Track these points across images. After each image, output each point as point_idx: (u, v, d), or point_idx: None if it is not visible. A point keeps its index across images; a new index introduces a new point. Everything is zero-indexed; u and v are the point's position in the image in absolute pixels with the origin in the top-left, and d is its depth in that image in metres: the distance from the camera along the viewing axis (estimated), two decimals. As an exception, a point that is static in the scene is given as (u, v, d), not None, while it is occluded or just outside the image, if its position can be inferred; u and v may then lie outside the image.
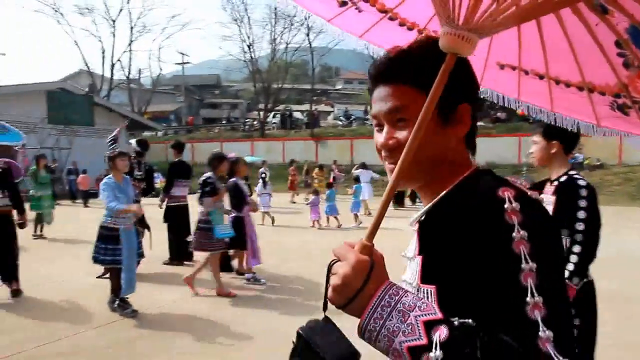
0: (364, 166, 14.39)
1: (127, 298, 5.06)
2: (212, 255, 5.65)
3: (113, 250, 4.84)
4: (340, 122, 36.40)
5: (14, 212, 5.76)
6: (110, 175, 4.99)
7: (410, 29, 1.43)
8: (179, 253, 7.28)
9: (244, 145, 28.39)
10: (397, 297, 0.80)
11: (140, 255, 5.34)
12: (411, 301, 0.79)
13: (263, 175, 13.42)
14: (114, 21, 43.98)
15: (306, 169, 19.62)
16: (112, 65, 38.09)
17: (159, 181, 25.15)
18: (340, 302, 0.82)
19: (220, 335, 4.43)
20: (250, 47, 33.14)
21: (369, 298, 0.81)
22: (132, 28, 37.29)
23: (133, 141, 7.57)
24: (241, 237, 6.04)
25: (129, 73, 40.03)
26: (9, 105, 18.88)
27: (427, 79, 0.92)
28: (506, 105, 1.54)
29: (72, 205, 17.86)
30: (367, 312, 0.80)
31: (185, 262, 7.29)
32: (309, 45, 33.16)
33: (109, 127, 27.13)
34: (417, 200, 16.48)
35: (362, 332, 0.81)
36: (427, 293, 0.87)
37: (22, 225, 5.81)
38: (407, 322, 0.77)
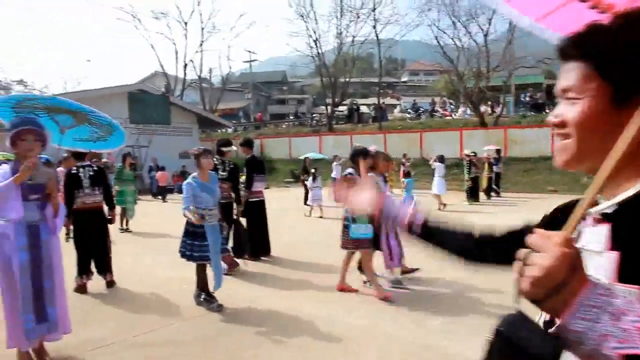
0: (441, 159, 13.79)
1: (213, 292, 5.12)
2: (363, 255, 5.40)
3: (200, 246, 4.90)
4: (407, 115, 35.69)
5: (105, 208, 6.05)
6: (196, 174, 5.04)
7: (603, 12, 1.22)
8: (257, 248, 7.33)
9: (312, 140, 28.55)
10: (606, 298, 0.75)
11: (225, 251, 5.39)
12: (622, 304, 0.74)
13: (313, 170, 13.41)
14: (185, 23, 45.75)
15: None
16: (185, 66, 39.64)
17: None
18: (538, 295, 0.77)
19: (308, 333, 4.36)
20: (317, 42, 33.20)
21: (572, 295, 0.76)
22: (202, 29, 38.50)
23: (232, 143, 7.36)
24: (375, 237, 5.51)
25: (201, 73, 41.55)
26: (95, 107, 20.11)
27: (611, 62, 0.87)
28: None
29: (152, 201, 18.76)
30: (571, 310, 0.75)
31: (263, 258, 7.34)
32: (375, 37, 32.69)
33: (184, 125, 28.52)
34: (493, 194, 15.73)
35: (561, 331, 0.76)
36: (629, 294, 0.80)
37: (111, 221, 6.10)
38: (621, 326, 0.72)
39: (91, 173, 5.88)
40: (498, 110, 28.85)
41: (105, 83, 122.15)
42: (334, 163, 16.76)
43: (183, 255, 5.00)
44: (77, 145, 4.77)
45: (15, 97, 3.94)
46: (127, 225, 10.67)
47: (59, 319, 3.74)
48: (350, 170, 5.34)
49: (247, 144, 7.49)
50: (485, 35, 27.30)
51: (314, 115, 41.37)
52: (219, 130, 40.18)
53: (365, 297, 5.34)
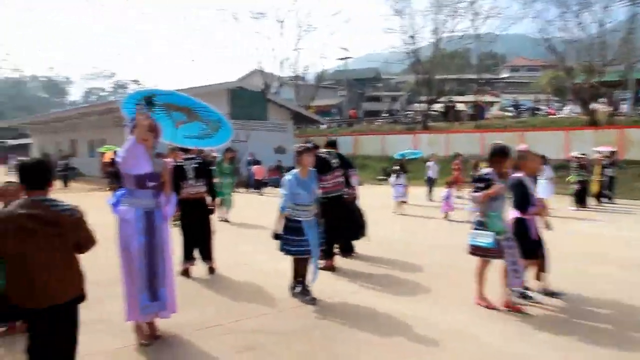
0: (543, 160, 12.76)
1: (308, 285, 5.19)
2: (481, 261, 4.94)
3: (299, 241, 4.98)
4: (507, 113, 33.79)
5: (208, 199, 6.39)
6: (296, 170, 5.12)
7: None
8: (348, 245, 7.34)
9: (406, 138, 28.05)
10: None
11: (321, 244, 5.43)
12: None
13: (396, 167, 13.19)
14: (282, 22, 47.08)
15: (474, 163, 18.58)
16: (281, 64, 40.92)
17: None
18: None
19: (401, 332, 4.26)
20: (412, 38, 32.48)
21: None
22: (298, 27, 39.38)
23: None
24: (526, 244, 4.91)
25: (296, 70, 42.59)
26: (199, 104, 21.59)
27: None
28: None
29: (247, 194, 19.56)
30: None
31: (353, 254, 7.33)
32: (474, 32, 31.29)
33: (279, 121, 29.44)
34: (604, 200, 14.34)
35: None
36: None
37: (212, 211, 6.42)
38: None
39: (195, 165, 6.26)
40: (612, 108, 26.26)
41: (207, 81, 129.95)
42: (429, 162, 16.32)
43: (281, 248, 5.10)
44: (186, 143, 5.02)
45: (139, 93, 4.22)
46: (225, 215, 11.19)
47: (168, 299, 4.01)
48: (487, 170, 4.78)
49: (332, 145, 7.36)
50: (601, 26, 24.92)
51: (408, 112, 40.65)
52: (313, 127, 40.88)
53: (459, 299, 5.10)
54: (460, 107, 36.61)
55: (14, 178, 3.35)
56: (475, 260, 4.97)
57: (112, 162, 13.60)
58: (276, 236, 5.04)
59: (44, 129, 34.75)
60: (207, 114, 4.56)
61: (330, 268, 6.47)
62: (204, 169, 6.37)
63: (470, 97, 38.19)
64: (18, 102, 72.29)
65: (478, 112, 31.26)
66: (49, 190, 2.88)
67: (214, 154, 12.23)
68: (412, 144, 26.72)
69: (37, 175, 2.84)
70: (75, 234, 2.86)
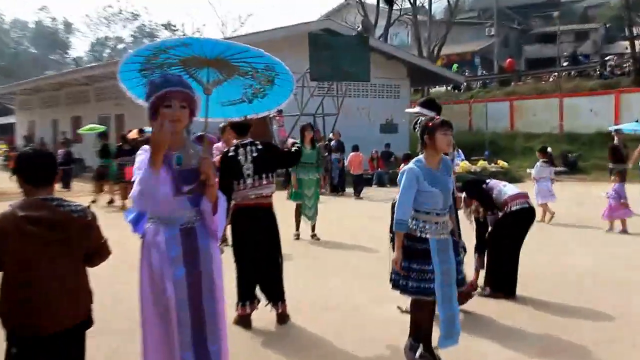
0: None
1: (437, 349, 5.13)
2: None
3: (420, 272, 4.94)
4: None
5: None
6: (420, 156, 5.08)
7: None
8: (500, 281, 7.20)
9: (605, 102, 26.87)
10: None
11: (461, 282, 5.33)
12: None
13: (548, 150, 13.80)
14: None
15: None
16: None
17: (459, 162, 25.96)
18: None
19: None
20: None
21: None
22: None
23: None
24: None
25: (415, 0, 42.22)
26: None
27: None
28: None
29: (334, 196, 19.78)
30: None
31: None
32: None
33: (389, 82, 29.43)
34: None
35: None
36: None
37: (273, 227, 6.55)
38: None
39: (255, 154, 6.27)
40: None
41: (277, 23, 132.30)
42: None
43: (395, 284, 5.09)
44: (228, 114, 5.06)
45: (141, 51, 4.28)
46: (312, 231, 11.39)
47: (222, 361, 4.09)
48: None
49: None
50: None
51: (607, 58, 38.71)
52: (444, 88, 40.34)
53: None
54: None
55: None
56: None
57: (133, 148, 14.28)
58: (395, 275, 5.06)
59: (33, 102, 37.29)
60: (250, 60, 4.48)
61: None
62: (271, 159, 6.43)
63: None
64: (-6, 62, 76.24)
65: None
66: (53, 187, 3.41)
67: (289, 138, 12.49)
68: (612, 111, 25.53)
69: (39, 168, 3.36)
70: (86, 241, 3.38)
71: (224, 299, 4.16)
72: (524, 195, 7.35)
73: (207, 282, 4.00)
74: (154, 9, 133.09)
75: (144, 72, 4.33)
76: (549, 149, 14.11)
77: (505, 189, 7.32)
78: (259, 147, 6.35)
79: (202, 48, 4.21)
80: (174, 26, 75.63)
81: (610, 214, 12.05)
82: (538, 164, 13.82)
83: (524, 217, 7.26)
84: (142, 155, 3.81)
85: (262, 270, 6.44)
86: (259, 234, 6.37)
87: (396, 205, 5.03)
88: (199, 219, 4.02)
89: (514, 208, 7.13)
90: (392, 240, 5.25)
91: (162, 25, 78.24)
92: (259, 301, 6.48)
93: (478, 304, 6.81)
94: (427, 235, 4.96)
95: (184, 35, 47.92)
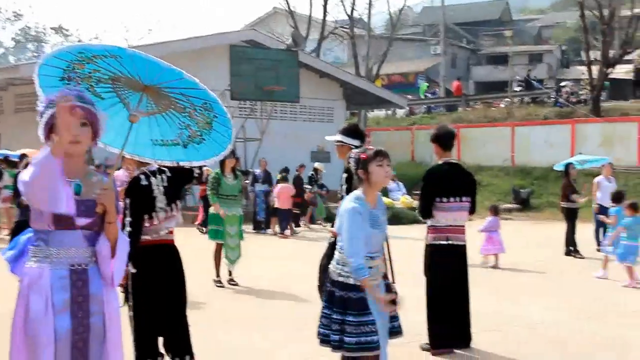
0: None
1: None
2: None
3: (358, 324, 4.91)
4: None
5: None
6: (359, 193, 5.09)
7: None
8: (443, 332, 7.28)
9: (561, 132, 27.76)
10: None
11: (398, 331, 5.33)
12: None
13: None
14: None
15: None
16: (325, 1, 41.16)
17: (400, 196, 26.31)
18: None
19: None
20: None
21: None
22: None
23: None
24: None
25: (352, 11, 42.82)
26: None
27: None
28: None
29: (257, 235, 19.82)
30: None
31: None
32: None
33: (320, 103, 29.53)
34: None
35: None
36: None
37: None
38: None
39: (165, 184, 6.14)
40: None
41: (192, 32, 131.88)
42: (599, 178, 16.04)
43: (324, 340, 5.06)
44: (159, 156, 4.97)
45: (62, 54, 4.14)
46: (229, 275, 11.25)
47: None
48: None
49: (447, 137, 7.60)
50: None
51: (562, 84, 39.99)
52: (384, 112, 40.78)
53: None
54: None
55: None
56: None
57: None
58: (324, 329, 5.03)
59: None
60: (187, 92, 4.44)
61: None
62: (180, 183, 6.33)
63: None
64: None
65: None
66: None
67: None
68: (569, 142, 26.39)
69: None
70: None
71: (121, 358, 4.06)
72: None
73: (97, 338, 3.88)
74: (40, 8, 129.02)
75: (66, 81, 4.24)
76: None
77: None
78: (168, 174, 6.17)
79: (134, 65, 4.14)
80: (67, 30, 73.48)
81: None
82: (489, 218, 14.47)
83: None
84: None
85: (166, 320, 6.23)
86: (165, 277, 6.19)
87: (347, 253, 4.97)
88: (94, 261, 3.92)
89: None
90: (321, 286, 5.24)
91: (52, 28, 75.83)
92: (162, 358, 6.28)
93: None
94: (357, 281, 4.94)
95: (79, 41, 47.17)
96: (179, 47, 24.21)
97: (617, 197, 12.89)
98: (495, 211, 14.54)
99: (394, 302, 5.08)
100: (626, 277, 11.38)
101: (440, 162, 7.73)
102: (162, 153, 4.94)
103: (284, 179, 20.76)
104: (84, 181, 3.87)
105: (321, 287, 5.38)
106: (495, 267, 13.39)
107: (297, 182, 20.96)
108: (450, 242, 7.57)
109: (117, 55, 4.04)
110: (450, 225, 7.67)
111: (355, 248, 4.91)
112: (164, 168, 6.10)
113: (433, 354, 7.24)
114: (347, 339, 4.93)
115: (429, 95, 44.41)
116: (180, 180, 6.32)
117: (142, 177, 6.10)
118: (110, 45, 4.28)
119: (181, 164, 5.28)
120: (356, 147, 6.72)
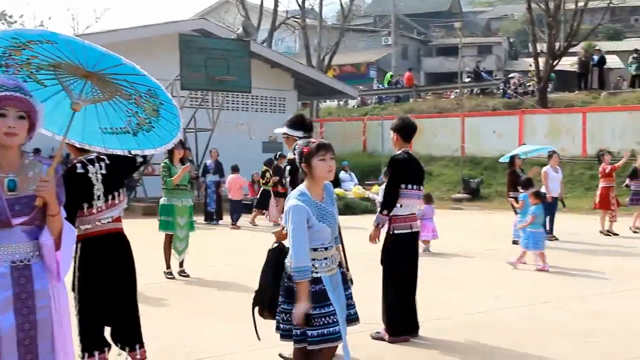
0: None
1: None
2: None
3: (320, 316, 4.95)
4: None
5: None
6: (303, 188, 5.04)
7: None
8: (398, 321, 7.31)
9: (507, 123, 28.09)
10: None
11: (354, 318, 5.36)
12: None
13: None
14: None
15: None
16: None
17: (352, 187, 26.37)
18: None
19: None
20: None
21: None
22: None
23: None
24: None
25: (303, 1, 42.72)
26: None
27: None
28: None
29: (208, 228, 19.62)
30: None
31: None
32: None
33: (272, 94, 29.47)
34: None
35: None
36: None
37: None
38: None
39: (103, 172, 6.01)
40: None
41: (142, 20, 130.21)
42: (546, 168, 16.21)
43: (285, 335, 5.03)
44: (109, 144, 4.86)
45: (4, 34, 4.05)
46: (181, 266, 11.20)
47: None
48: None
49: (410, 129, 7.69)
50: None
51: (510, 75, 40.46)
52: (336, 103, 40.88)
53: None
54: (612, 61, 36.33)
55: None
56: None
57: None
58: (307, 319, 4.94)
59: None
60: (130, 79, 4.34)
61: None
62: (121, 170, 6.18)
63: (632, 44, 37.83)
64: None
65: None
66: None
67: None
68: (517, 132, 26.68)
69: None
70: None
71: (72, 353, 4.03)
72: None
73: (44, 334, 3.80)
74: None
75: (4, 68, 4.09)
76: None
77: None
78: (107, 162, 6.01)
79: (72, 51, 4.00)
80: (10, 17, 71.88)
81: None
82: (423, 206, 14.68)
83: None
84: None
85: (113, 310, 6.10)
86: (113, 266, 6.07)
87: (290, 252, 4.97)
88: (38, 255, 3.83)
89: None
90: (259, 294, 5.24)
91: (-5, 13, 74.15)
92: (109, 348, 6.14)
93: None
94: (319, 274, 4.96)
95: (22, 26, 46.32)
96: (128, 36, 23.98)
97: (527, 184, 13.28)
98: (428, 199, 14.80)
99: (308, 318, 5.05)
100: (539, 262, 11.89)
101: (399, 151, 7.76)
102: (112, 142, 4.85)
103: (236, 169, 20.72)
104: (20, 176, 3.78)
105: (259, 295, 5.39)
106: (425, 250, 13.77)
107: (277, 173, 20.87)
108: (413, 230, 7.66)
109: (52, 40, 3.91)
110: (412, 213, 7.77)
111: (297, 249, 4.88)
112: (102, 156, 5.97)
113: (390, 342, 7.26)
114: (309, 332, 4.91)
115: (393, 85, 44.45)
116: (120, 167, 6.18)
117: (79, 165, 5.96)
118: (43, 29, 4.21)
119: (133, 152, 5.18)
120: (300, 138, 6.71)
